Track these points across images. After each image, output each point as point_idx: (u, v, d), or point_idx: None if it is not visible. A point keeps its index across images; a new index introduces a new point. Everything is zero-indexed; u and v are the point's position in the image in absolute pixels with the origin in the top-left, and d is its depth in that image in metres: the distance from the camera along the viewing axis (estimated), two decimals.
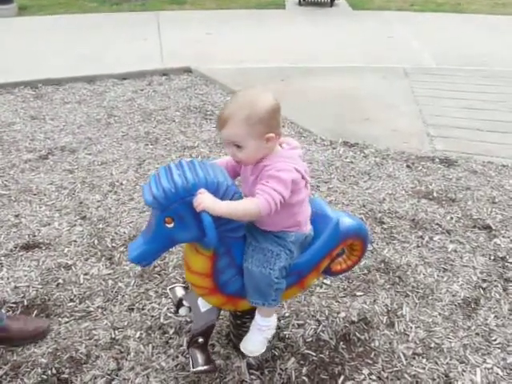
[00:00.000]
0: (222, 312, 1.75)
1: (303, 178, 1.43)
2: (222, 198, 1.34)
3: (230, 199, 1.36)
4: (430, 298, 2.13)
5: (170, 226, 1.32)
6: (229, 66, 5.21)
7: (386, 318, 2.03)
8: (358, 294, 2.16)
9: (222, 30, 6.89)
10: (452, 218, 2.72)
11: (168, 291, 1.95)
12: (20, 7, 8.59)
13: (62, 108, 4.26)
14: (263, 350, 1.65)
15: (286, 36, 6.61)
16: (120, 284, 2.22)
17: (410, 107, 4.27)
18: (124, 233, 2.58)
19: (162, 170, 1.37)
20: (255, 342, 1.62)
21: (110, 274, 2.29)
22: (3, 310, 1.98)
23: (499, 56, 5.75)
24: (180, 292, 1.88)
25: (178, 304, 1.82)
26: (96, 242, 2.51)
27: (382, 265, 2.34)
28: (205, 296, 1.57)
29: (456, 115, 4.10)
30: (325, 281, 2.23)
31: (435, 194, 2.97)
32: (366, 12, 8.11)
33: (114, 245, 2.49)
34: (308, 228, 1.57)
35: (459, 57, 5.68)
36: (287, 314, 2.04)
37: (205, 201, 1.28)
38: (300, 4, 8.79)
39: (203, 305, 1.71)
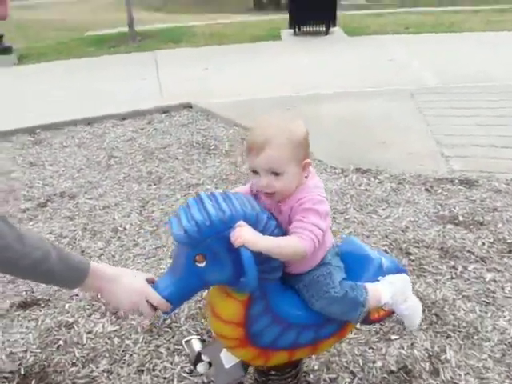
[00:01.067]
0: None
1: None
2: (262, 233, 1.17)
3: (270, 234, 1.19)
4: (476, 337, 1.89)
5: (202, 264, 1.15)
6: (229, 99, 5.13)
7: (428, 364, 1.79)
8: (393, 337, 1.93)
9: (220, 64, 6.87)
10: (484, 244, 2.50)
11: (183, 344, 1.71)
12: (20, 56, 8.72)
13: (61, 152, 4.14)
14: (419, 308, 1.54)
15: (285, 66, 6.58)
16: (127, 342, 2.00)
17: (420, 128, 4.12)
18: None
19: (193, 200, 1.20)
20: (406, 313, 1.48)
21: (115, 330, 2.07)
22: None
23: (499, 72, 5.65)
24: (197, 345, 1.65)
25: (196, 359, 1.59)
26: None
27: None
28: (234, 349, 1.36)
29: (468, 133, 3.94)
30: None
31: (461, 218, 2.77)
32: (362, 37, 8.14)
33: None
34: (332, 241, 1.42)
35: (461, 75, 5.57)
36: (316, 367, 1.80)
37: (245, 234, 1.11)
38: (295, 34, 8.85)
39: (228, 359, 1.48)
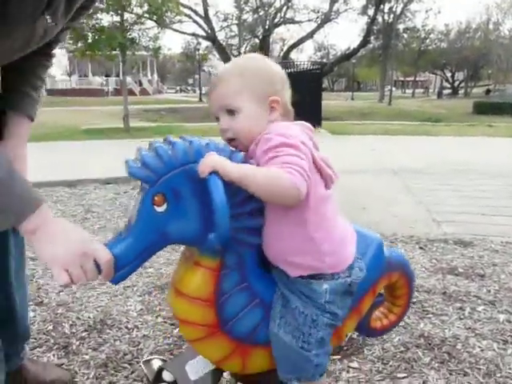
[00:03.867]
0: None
1: (314, 163, 0.99)
2: None
3: None
4: (499, 375, 1.58)
5: (162, 209, 0.91)
6: None
7: None
8: (400, 375, 1.60)
9: None
10: (490, 291, 2.27)
11: (142, 365, 1.38)
12: None
13: None
14: None
15: None
16: (75, 378, 1.62)
17: (408, 198, 4.09)
18: (88, 317, 2.03)
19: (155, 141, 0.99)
20: None
21: (62, 364, 1.69)
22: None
23: (473, 160, 6.00)
24: (158, 364, 1.33)
25: (156, 379, 1.26)
26: (51, 328, 1.94)
27: (422, 340, 1.81)
28: (201, 342, 1.05)
29: (457, 203, 3.91)
30: (351, 364, 1.68)
31: (461, 270, 2.56)
32: (345, 136, 8.61)
33: (73, 331, 1.92)
34: (348, 260, 1.05)
35: (440, 161, 5.88)
36: None
37: (215, 160, 0.90)
38: None
39: (194, 371, 1.17)
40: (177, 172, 0.91)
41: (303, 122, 1.08)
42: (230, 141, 1.04)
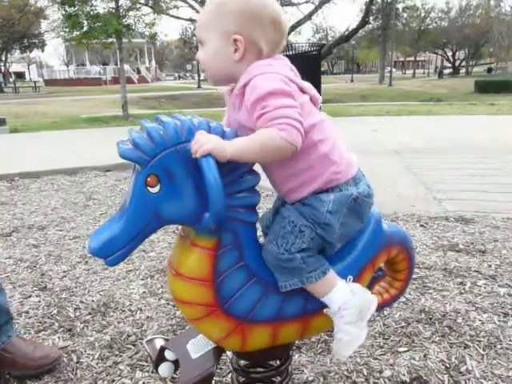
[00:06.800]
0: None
1: (302, 91, 1.02)
2: None
3: None
4: (499, 347, 1.59)
5: (155, 190, 0.90)
6: None
7: (446, 376, 1.47)
8: (402, 349, 1.62)
9: None
10: (491, 266, 2.28)
11: (144, 344, 1.39)
12: (11, 130, 8.84)
13: (37, 195, 3.93)
14: (357, 343, 1.08)
15: None
16: (80, 359, 1.64)
17: (409, 178, 4.07)
18: (92, 301, 2.05)
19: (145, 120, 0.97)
20: (340, 336, 1.06)
21: (67, 346, 1.72)
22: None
23: (474, 139, 5.95)
24: (161, 343, 1.34)
25: (158, 358, 1.27)
26: (55, 312, 1.96)
27: (423, 315, 1.82)
28: (201, 321, 1.05)
29: (458, 181, 3.90)
30: None
31: (461, 246, 2.56)
32: (345, 117, 8.53)
33: (77, 314, 1.94)
34: (352, 172, 1.06)
35: (440, 141, 5.85)
36: (311, 379, 1.46)
37: (210, 141, 0.88)
38: None
39: (195, 349, 1.18)
40: (169, 152, 0.90)
41: (280, 56, 1.06)
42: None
